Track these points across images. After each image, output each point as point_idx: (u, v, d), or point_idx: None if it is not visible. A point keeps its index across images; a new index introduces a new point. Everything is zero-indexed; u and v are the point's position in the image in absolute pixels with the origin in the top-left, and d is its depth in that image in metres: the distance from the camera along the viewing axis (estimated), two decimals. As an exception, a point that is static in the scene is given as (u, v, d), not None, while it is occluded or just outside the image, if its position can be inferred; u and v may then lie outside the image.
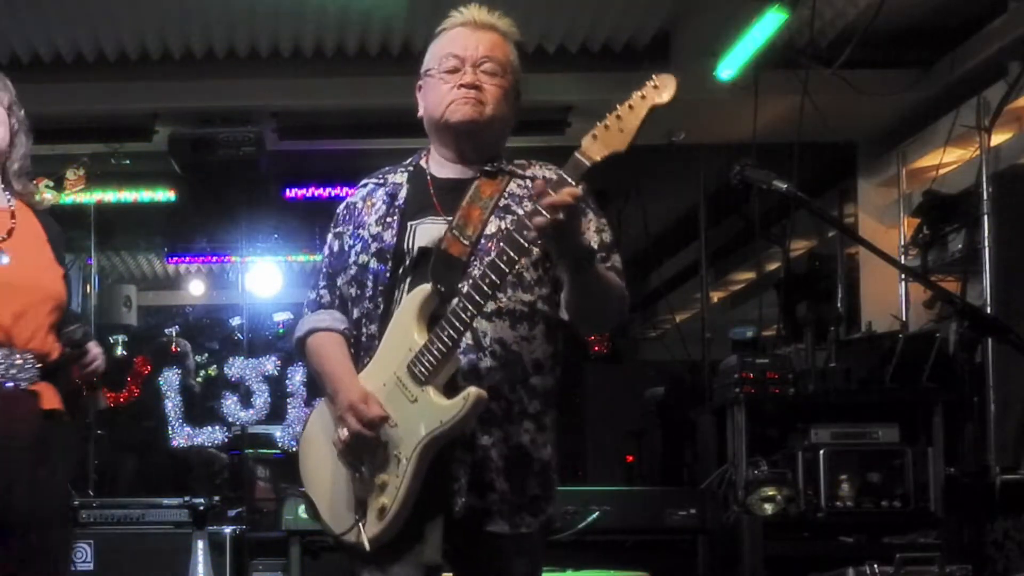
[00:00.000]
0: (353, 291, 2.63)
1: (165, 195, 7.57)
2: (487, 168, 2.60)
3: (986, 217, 5.24)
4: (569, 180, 2.33)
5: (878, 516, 5.29)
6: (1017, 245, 5.18)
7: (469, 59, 2.58)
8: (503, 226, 2.53)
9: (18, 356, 2.91)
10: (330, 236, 2.73)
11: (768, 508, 5.23)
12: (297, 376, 7.41)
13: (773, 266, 8.00)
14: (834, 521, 5.29)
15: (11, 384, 2.90)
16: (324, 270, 2.72)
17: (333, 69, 6.42)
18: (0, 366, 2.89)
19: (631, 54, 6.31)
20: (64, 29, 6.13)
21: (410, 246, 2.58)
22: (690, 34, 6.09)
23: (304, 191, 7.56)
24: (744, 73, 5.85)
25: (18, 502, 2.87)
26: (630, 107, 2.34)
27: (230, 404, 7.44)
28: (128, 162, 7.09)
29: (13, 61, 6.31)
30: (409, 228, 2.59)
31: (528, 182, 2.59)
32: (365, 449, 2.51)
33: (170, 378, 7.66)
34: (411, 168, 2.69)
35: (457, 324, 2.42)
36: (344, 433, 2.51)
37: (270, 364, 7.52)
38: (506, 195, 2.57)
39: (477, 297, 2.40)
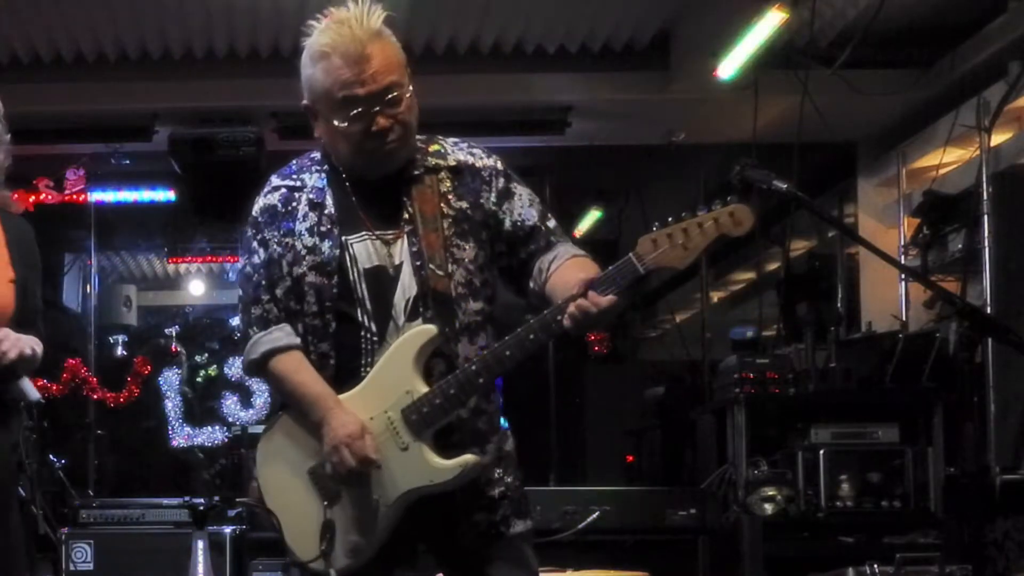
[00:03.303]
0: (292, 304, 2.52)
1: (165, 195, 7.57)
2: (415, 173, 2.52)
3: (986, 217, 5.23)
4: (617, 286, 2.32)
5: (878, 516, 5.29)
6: (1017, 245, 5.18)
7: (371, 96, 2.40)
8: (452, 231, 2.49)
9: None
10: (254, 244, 2.55)
11: (768, 508, 5.23)
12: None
13: (773, 266, 8.00)
14: (834, 521, 5.29)
15: None
16: (259, 281, 2.54)
17: (333, 69, 6.41)
18: None
19: (631, 54, 6.30)
20: (64, 29, 6.13)
21: (351, 264, 2.49)
22: (690, 34, 6.09)
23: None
24: (744, 73, 5.84)
25: None
26: (699, 225, 2.31)
27: (230, 404, 7.45)
28: (128, 162, 7.09)
29: (13, 61, 6.31)
30: (345, 243, 2.50)
31: (447, 173, 2.52)
32: (353, 482, 2.47)
33: (170, 378, 7.67)
34: (326, 168, 2.56)
35: (467, 387, 2.41)
36: (334, 466, 2.45)
37: (270, 364, 7.52)
38: (445, 198, 2.51)
39: (494, 365, 2.40)
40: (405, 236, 2.49)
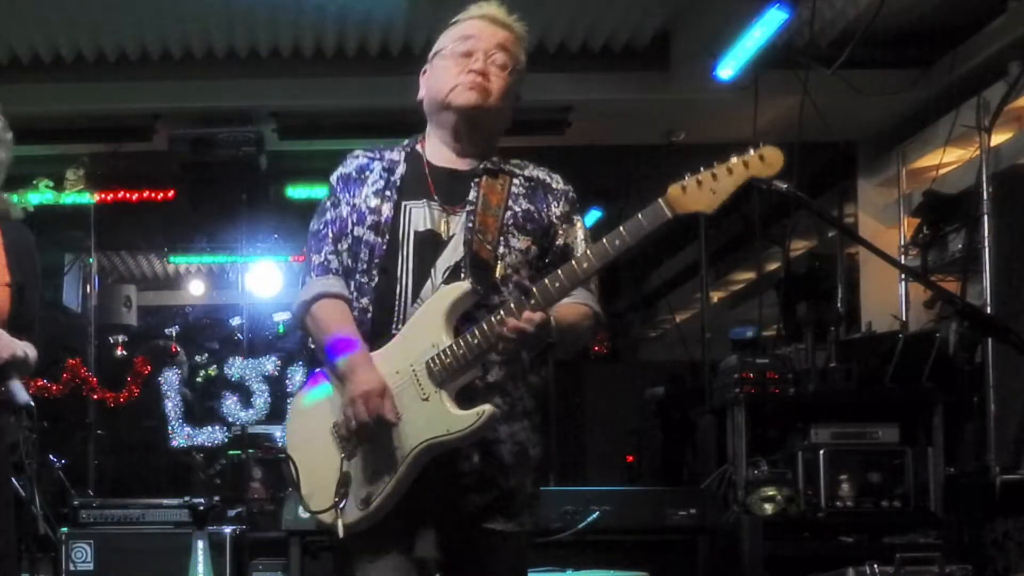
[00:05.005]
0: (348, 262, 2.63)
1: (165, 195, 7.57)
2: (488, 166, 2.62)
3: (986, 217, 5.24)
4: (646, 230, 2.37)
5: (878, 516, 5.28)
6: (1017, 245, 5.18)
7: (483, 46, 2.61)
8: (511, 222, 2.58)
9: None
10: (327, 203, 2.71)
11: (768, 508, 5.23)
12: (297, 376, 7.41)
13: (773, 266, 8.00)
14: (834, 521, 5.28)
15: None
16: (325, 235, 2.67)
17: (333, 69, 6.42)
18: None
19: (631, 54, 6.30)
20: (64, 29, 6.13)
21: (405, 226, 2.59)
22: (690, 34, 6.09)
23: (305, 191, 7.57)
24: (744, 73, 5.84)
25: None
26: (728, 171, 2.33)
27: (230, 404, 7.45)
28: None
29: (13, 61, 6.31)
30: (404, 208, 2.60)
31: (522, 180, 2.64)
32: (365, 438, 2.50)
33: (170, 378, 7.67)
34: (408, 149, 2.70)
35: (490, 336, 2.42)
36: (350, 418, 2.48)
37: (270, 364, 7.53)
38: (513, 196, 2.61)
39: (517, 307, 2.42)
40: (465, 213, 2.57)
